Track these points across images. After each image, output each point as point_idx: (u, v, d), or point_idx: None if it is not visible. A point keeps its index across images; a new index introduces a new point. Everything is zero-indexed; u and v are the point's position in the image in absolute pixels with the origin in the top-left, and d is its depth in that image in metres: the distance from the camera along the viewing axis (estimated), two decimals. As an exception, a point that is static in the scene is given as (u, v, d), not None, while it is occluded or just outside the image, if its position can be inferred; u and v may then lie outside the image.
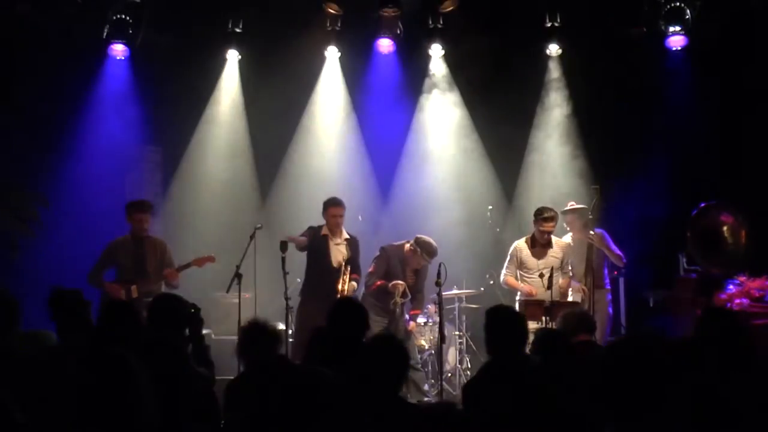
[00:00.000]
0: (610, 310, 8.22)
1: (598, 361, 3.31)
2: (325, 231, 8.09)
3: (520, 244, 7.96)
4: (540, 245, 7.87)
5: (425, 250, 7.87)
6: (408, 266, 8.01)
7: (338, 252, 8.03)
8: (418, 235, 7.99)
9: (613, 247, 8.08)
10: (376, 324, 7.73)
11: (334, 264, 7.98)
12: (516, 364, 4.32)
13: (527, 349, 4.70)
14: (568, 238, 8.20)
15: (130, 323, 4.14)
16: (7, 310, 4.38)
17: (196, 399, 3.90)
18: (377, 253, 8.11)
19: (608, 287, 8.28)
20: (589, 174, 9.03)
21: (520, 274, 7.94)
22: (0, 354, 4.11)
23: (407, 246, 7.98)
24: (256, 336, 4.29)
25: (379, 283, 7.93)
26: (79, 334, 4.27)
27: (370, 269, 8.04)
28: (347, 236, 8.12)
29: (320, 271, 7.99)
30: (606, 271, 8.25)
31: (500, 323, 4.44)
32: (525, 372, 4.25)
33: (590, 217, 7.98)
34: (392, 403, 3.77)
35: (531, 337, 4.95)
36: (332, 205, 8.06)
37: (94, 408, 2.67)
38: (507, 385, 4.12)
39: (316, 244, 8.03)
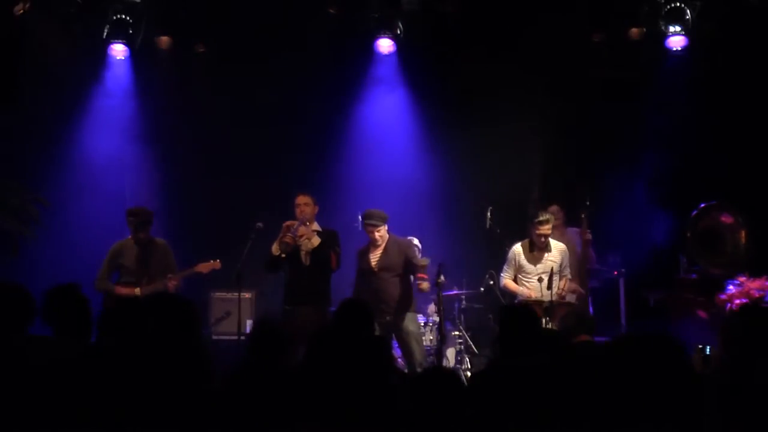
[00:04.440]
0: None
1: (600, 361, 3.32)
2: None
3: (518, 248, 7.95)
4: (538, 249, 7.86)
5: (376, 221, 7.63)
6: (372, 247, 7.72)
7: (308, 245, 7.46)
8: None
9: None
10: None
11: (305, 261, 7.49)
12: (527, 363, 4.36)
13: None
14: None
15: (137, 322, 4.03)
16: (23, 307, 4.17)
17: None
18: None
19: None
20: (588, 174, 9.03)
21: (519, 277, 7.94)
22: (11, 355, 4.00)
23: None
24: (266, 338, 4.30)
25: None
26: (79, 335, 4.17)
27: None
28: (319, 229, 7.59)
29: (294, 271, 7.51)
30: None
31: (515, 322, 4.47)
32: (534, 372, 4.29)
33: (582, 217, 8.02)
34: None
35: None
36: (297, 194, 7.58)
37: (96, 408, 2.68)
38: (515, 382, 4.16)
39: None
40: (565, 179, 9.26)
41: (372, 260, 7.65)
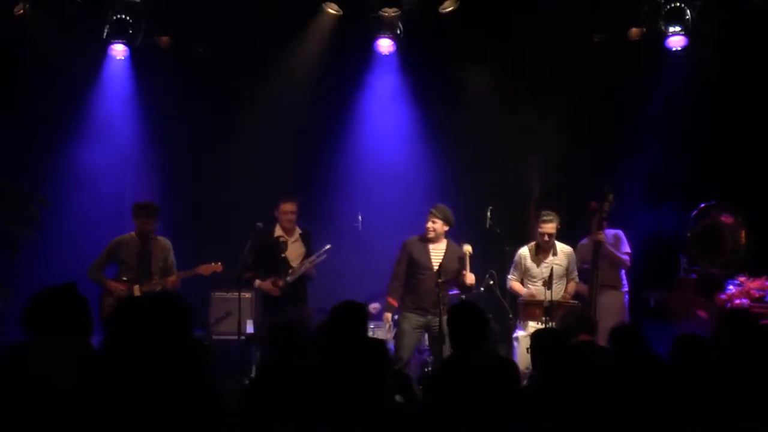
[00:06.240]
0: (627, 314, 7.99)
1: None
2: (278, 232, 7.64)
3: (524, 251, 7.94)
4: (542, 250, 7.84)
5: (437, 213, 7.58)
6: (429, 243, 7.63)
7: (296, 253, 7.51)
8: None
9: (624, 248, 8.02)
10: (409, 320, 7.56)
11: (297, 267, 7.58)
12: (477, 359, 4.40)
13: (527, 349, 4.73)
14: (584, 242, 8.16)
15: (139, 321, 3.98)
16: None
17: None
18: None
19: (625, 289, 8.08)
20: (588, 175, 9.03)
21: (525, 280, 7.93)
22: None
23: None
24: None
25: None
26: (80, 334, 4.14)
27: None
28: (300, 231, 7.63)
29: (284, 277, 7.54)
30: (622, 272, 8.07)
31: (463, 319, 4.55)
32: (486, 367, 4.34)
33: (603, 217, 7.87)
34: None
35: (530, 339, 5.00)
36: (284, 201, 7.51)
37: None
38: (467, 380, 4.22)
39: (268, 248, 7.51)
40: (565, 179, 9.25)
41: (433, 258, 7.62)
